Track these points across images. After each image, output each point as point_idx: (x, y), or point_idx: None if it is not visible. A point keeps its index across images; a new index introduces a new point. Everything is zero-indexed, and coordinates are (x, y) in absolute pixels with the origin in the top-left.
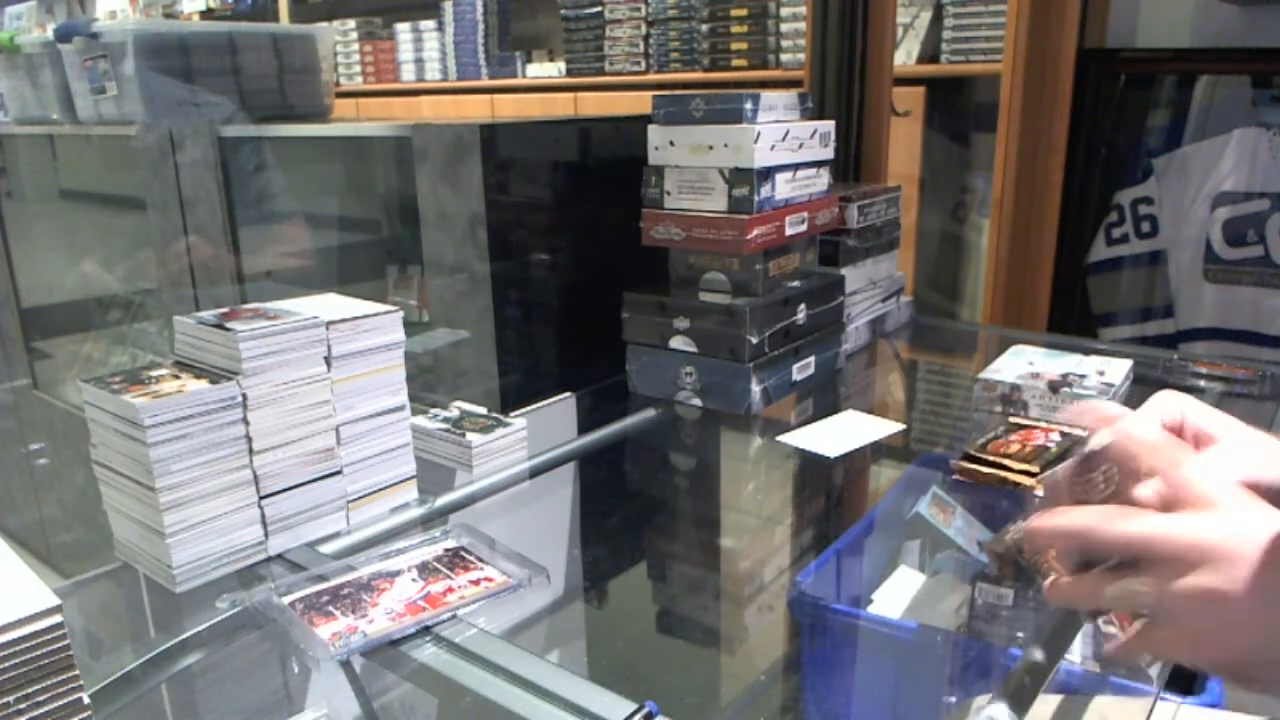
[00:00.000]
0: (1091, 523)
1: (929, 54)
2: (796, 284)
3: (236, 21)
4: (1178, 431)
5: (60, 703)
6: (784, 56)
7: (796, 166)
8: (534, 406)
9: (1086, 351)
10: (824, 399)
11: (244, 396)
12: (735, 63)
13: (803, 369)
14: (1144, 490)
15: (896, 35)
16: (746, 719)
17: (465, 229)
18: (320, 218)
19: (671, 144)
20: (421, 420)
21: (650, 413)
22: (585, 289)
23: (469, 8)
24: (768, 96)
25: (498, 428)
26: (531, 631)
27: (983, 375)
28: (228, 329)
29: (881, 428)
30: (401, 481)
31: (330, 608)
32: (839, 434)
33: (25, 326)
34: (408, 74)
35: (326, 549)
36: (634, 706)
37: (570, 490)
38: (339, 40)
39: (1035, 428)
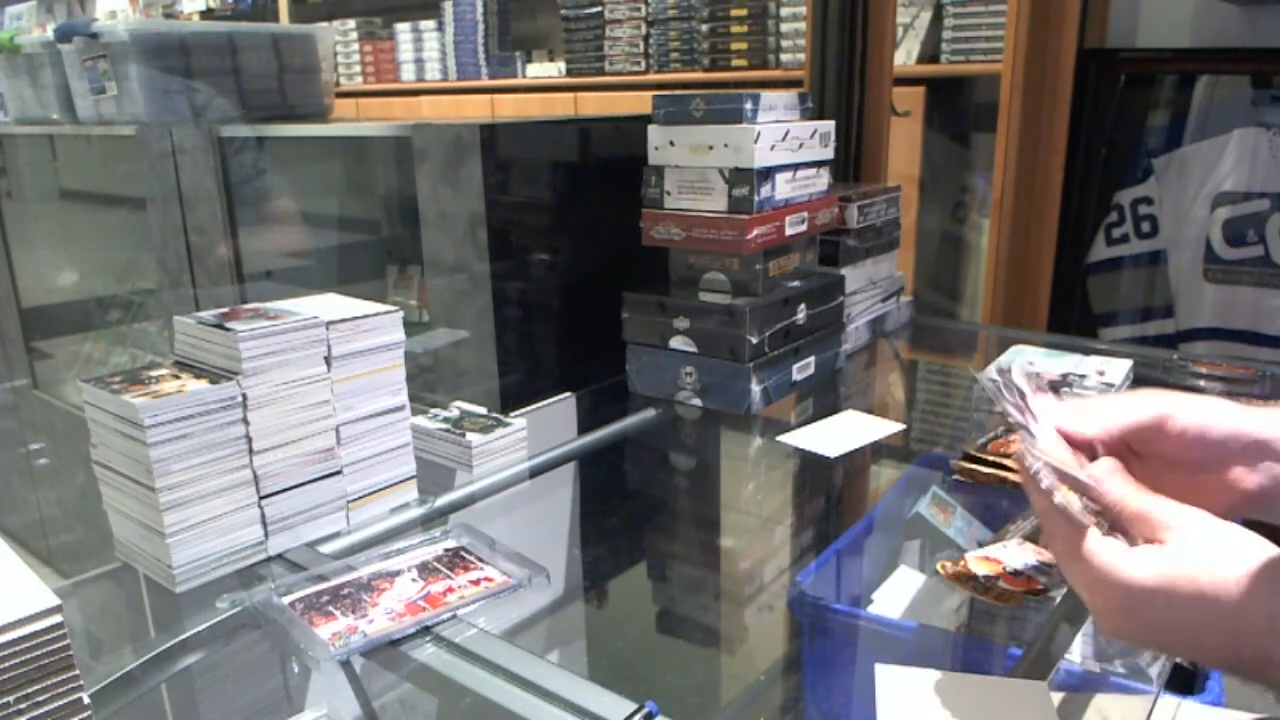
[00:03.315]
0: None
1: (929, 54)
2: (796, 284)
3: (236, 21)
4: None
5: (60, 703)
6: (784, 56)
7: (796, 166)
8: (534, 406)
9: (1086, 351)
10: (824, 399)
11: (244, 396)
12: (735, 63)
13: (803, 369)
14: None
15: (896, 35)
16: (746, 719)
17: (465, 229)
18: (320, 218)
19: (671, 144)
20: (421, 420)
21: (650, 413)
22: (585, 289)
23: (469, 8)
24: (768, 96)
25: (498, 428)
26: (531, 631)
27: (983, 375)
28: (228, 329)
29: (881, 428)
30: (401, 481)
31: (330, 608)
32: (839, 434)
33: (25, 326)
34: (408, 74)
35: (326, 549)
36: (634, 706)
37: (570, 490)
38: (339, 40)
39: None
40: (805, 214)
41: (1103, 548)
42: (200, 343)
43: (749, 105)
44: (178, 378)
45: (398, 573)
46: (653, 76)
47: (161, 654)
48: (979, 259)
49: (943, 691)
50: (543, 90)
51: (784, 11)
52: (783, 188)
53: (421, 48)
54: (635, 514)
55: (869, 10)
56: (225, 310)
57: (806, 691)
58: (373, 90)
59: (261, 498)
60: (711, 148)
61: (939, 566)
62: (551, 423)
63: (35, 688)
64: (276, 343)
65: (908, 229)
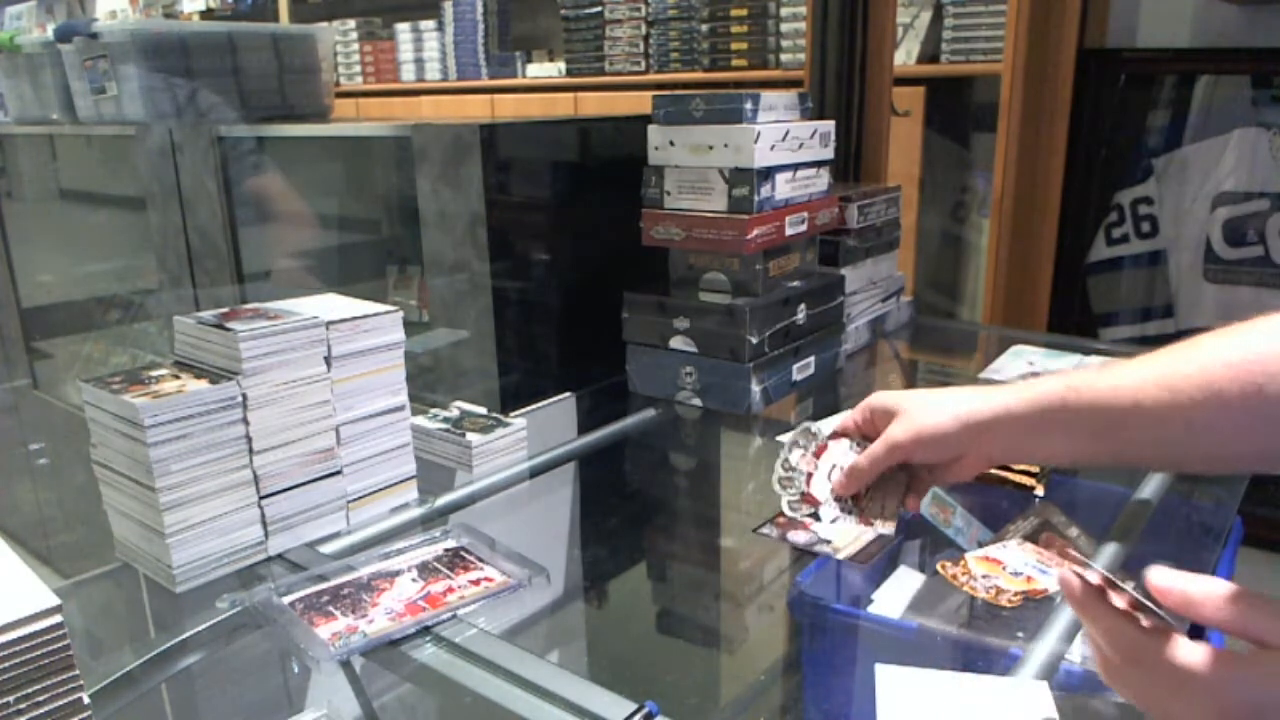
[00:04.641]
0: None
1: (929, 54)
2: (796, 284)
3: (236, 21)
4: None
5: (60, 703)
6: (784, 56)
7: (796, 166)
8: (534, 406)
9: (1086, 351)
10: (824, 399)
11: (244, 396)
12: (735, 63)
13: (803, 369)
14: None
15: (896, 35)
16: (747, 719)
17: (465, 229)
18: (320, 218)
19: (671, 144)
20: (421, 420)
21: (650, 413)
22: (585, 289)
23: (469, 8)
24: (768, 96)
25: (498, 428)
26: (531, 631)
27: (983, 375)
28: (228, 329)
29: None
30: (401, 481)
31: (330, 608)
32: None
33: (25, 326)
34: (408, 74)
35: (326, 549)
36: (634, 706)
37: (570, 490)
38: (339, 40)
39: None
40: (805, 214)
41: (1207, 654)
42: (200, 343)
43: (749, 105)
44: (178, 378)
45: (398, 573)
46: (653, 76)
47: (161, 654)
48: (979, 259)
49: (943, 691)
50: (543, 90)
51: (784, 11)
52: (783, 188)
53: (421, 48)
54: (635, 514)
55: (869, 10)
56: (225, 310)
57: (806, 691)
58: (373, 90)
59: (261, 498)
60: (711, 148)
61: (939, 566)
62: (551, 423)
63: (35, 688)
64: (276, 343)
65: (908, 229)
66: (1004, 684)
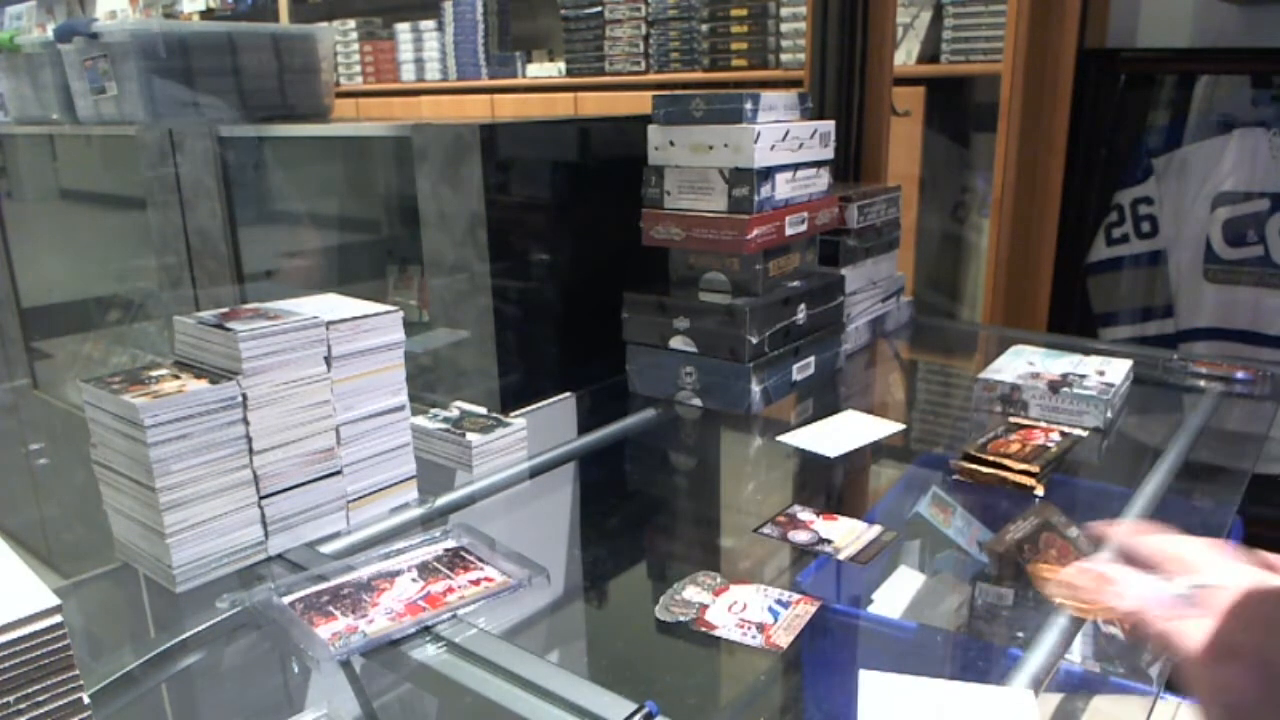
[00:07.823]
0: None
1: (929, 54)
2: (796, 284)
3: (236, 21)
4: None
5: (60, 703)
6: (784, 56)
7: (796, 166)
8: (534, 406)
9: (1086, 351)
10: (824, 399)
11: (244, 396)
12: (735, 63)
13: (803, 369)
14: None
15: (896, 35)
16: (746, 719)
17: (465, 229)
18: (320, 218)
19: (671, 144)
20: (421, 420)
21: (650, 413)
22: (585, 289)
23: (469, 8)
24: (768, 96)
25: (498, 428)
26: (531, 631)
27: (983, 375)
28: (228, 329)
29: (881, 428)
30: (401, 481)
31: (330, 608)
32: (839, 434)
33: (25, 326)
34: (408, 74)
35: (326, 549)
36: (634, 706)
37: (570, 490)
38: (339, 40)
39: (1035, 428)
40: (805, 214)
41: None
42: (200, 343)
43: (749, 105)
44: (178, 378)
45: (398, 573)
46: (653, 76)
47: (161, 654)
48: (979, 259)
49: (926, 699)
50: (543, 90)
51: (784, 11)
52: (783, 188)
53: (421, 48)
54: (635, 514)
55: (869, 10)
56: (225, 310)
57: (806, 691)
58: (373, 90)
59: (261, 498)
60: (711, 148)
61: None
62: (551, 423)
63: (35, 688)
64: (276, 343)
65: (908, 229)
66: (988, 692)
